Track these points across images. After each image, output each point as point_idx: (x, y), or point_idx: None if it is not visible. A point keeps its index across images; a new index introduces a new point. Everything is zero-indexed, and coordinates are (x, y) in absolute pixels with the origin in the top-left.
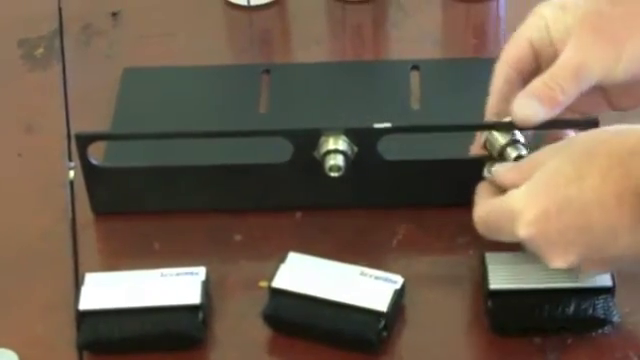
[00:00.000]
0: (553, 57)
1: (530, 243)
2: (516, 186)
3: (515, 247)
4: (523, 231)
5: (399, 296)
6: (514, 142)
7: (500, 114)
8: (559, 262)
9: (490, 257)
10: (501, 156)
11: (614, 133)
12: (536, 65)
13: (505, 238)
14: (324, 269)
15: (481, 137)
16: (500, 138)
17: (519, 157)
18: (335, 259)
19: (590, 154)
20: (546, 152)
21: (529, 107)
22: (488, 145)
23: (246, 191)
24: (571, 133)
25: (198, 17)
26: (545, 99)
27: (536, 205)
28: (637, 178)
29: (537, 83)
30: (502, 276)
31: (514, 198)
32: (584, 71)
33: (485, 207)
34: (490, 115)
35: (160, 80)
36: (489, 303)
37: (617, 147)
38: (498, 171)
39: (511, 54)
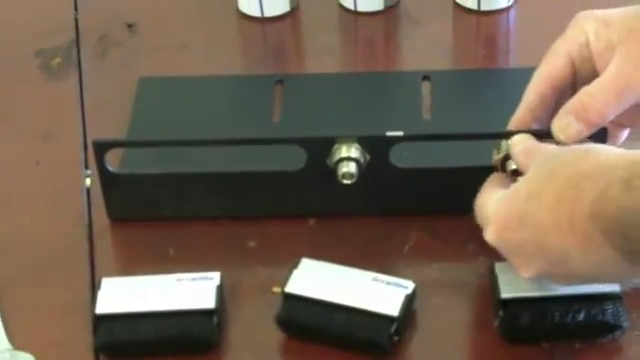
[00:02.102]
0: (591, 73)
1: (497, 248)
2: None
3: None
4: (489, 237)
5: (410, 301)
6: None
7: (524, 126)
8: (523, 273)
9: (499, 266)
10: (502, 165)
11: (578, 155)
12: (572, 80)
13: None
14: (336, 274)
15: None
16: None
17: (516, 171)
18: (347, 265)
19: (552, 172)
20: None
21: (568, 125)
22: (495, 150)
23: (260, 198)
24: None
25: (213, 28)
26: (581, 119)
27: (501, 214)
28: (588, 202)
29: (575, 102)
30: (512, 285)
31: (491, 202)
32: (625, 95)
33: (480, 200)
34: (513, 125)
35: (175, 90)
36: (500, 312)
37: (574, 170)
38: (514, 142)
39: (548, 70)
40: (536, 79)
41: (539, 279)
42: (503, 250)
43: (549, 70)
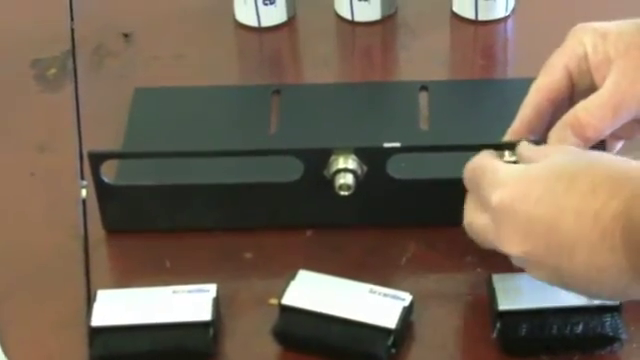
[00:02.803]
0: (589, 85)
1: (496, 213)
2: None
3: (520, 268)
4: (496, 197)
5: (408, 313)
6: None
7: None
8: (512, 248)
9: (497, 278)
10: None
11: (612, 157)
12: (569, 92)
13: (477, 196)
14: (333, 286)
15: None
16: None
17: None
18: (345, 277)
19: (590, 164)
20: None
21: (564, 138)
22: None
23: (257, 209)
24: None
25: (209, 38)
26: (577, 133)
27: (522, 182)
28: (621, 200)
29: (572, 116)
30: (510, 296)
31: (508, 168)
32: (622, 111)
33: (480, 160)
34: (510, 137)
35: (171, 100)
36: (498, 324)
37: (614, 167)
38: (522, 146)
39: (545, 83)
40: (533, 92)
41: (520, 262)
42: (503, 217)
43: (546, 83)
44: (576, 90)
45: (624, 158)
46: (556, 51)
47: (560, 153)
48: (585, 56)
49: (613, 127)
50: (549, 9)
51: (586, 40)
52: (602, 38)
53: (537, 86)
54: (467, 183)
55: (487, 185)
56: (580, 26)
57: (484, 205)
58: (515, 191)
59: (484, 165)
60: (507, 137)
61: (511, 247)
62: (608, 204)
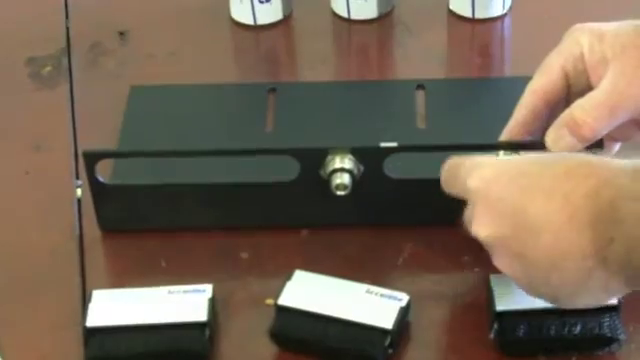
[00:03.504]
0: (585, 86)
1: (471, 195)
2: None
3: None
4: (472, 182)
5: (404, 313)
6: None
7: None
8: (480, 229)
9: (495, 278)
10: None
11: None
12: (566, 93)
13: (455, 188)
14: (330, 287)
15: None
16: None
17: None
18: (341, 277)
19: (569, 155)
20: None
21: (561, 137)
22: None
23: (253, 209)
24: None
25: (205, 36)
26: (574, 133)
27: (497, 165)
28: (592, 183)
29: (568, 116)
30: (508, 297)
31: (485, 157)
32: (618, 111)
33: (453, 159)
34: (505, 138)
35: (167, 98)
36: (496, 325)
37: (596, 159)
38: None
39: (542, 84)
40: (529, 92)
41: (489, 248)
42: (477, 199)
43: (543, 83)
44: (572, 91)
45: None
46: (552, 51)
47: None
48: (581, 57)
49: (609, 127)
50: (546, 7)
51: (583, 41)
52: (599, 39)
53: (533, 87)
54: (444, 179)
55: (465, 171)
56: (577, 27)
57: (465, 192)
58: (490, 173)
59: (459, 159)
60: (503, 137)
61: (479, 228)
62: (581, 184)
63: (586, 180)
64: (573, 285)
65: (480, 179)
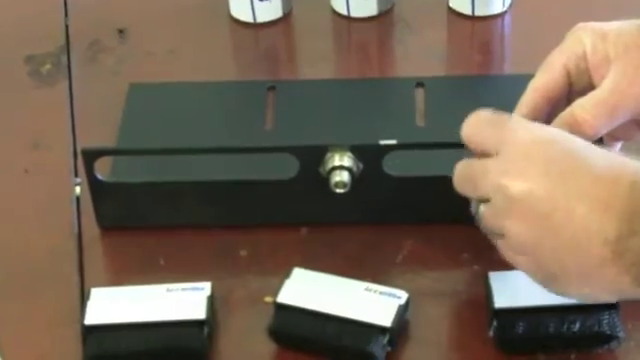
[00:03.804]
0: (587, 85)
1: (496, 194)
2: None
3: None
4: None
5: (403, 311)
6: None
7: None
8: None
9: (493, 276)
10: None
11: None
12: (567, 92)
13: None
14: (329, 284)
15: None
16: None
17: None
18: (340, 274)
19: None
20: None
21: None
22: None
23: (252, 207)
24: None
25: (204, 34)
26: (574, 132)
27: (537, 155)
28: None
29: (569, 114)
30: (506, 295)
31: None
32: (619, 111)
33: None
34: None
35: (166, 96)
36: (495, 322)
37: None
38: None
39: (543, 81)
40: (531, 90)
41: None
42: (502, 181)
43: (544, 81)
44: (574, 90)
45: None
46: (555, 50)
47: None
48: (584, 56)
49: (610, 126)
50: (546, 4)
51: (586, 40)
52: (601, 38)
53: (535, 85)
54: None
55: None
56: (579, 26)
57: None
58: (525, 166)
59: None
60: None
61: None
62: (623, 175)
63: (624, 169)
64: (585, 273)
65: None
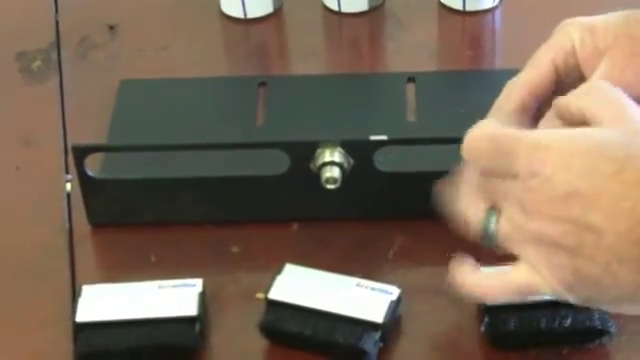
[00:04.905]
0: (577, 80)
1: (530, 180)
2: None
3: (508, 261)
4: (537, 162)
5: (395, 307)
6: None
7: None
8: (538, 217)
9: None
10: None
11: None
12: (555, 88)
13: (498, 163)
14: (320, 280)
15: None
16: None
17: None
18: (331, 270)
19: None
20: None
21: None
22: None
23: (243, 203)
24: None
25: (195, 29)
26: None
27: (565, 153)
28: None
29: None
30: None
31: (548, 133)
32: None
33: (496, 129)
34: None
35: (157, 92)
36: (486, 318)
37: None
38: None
39: (531, 78)
40: (518, 88)
41: (537, 241)
42: (539, 184)
43: (532, 78)
44: (564, 85)
45: None
46: (542, 46)
47: (612, 127)
48: (573, 51)
49: None
50: None
51: (574, 35)
52: (590, 32)
53: (522, 81)
54: (480, 152)
55: (525, 150)
56: (567, 21)
57: (510, 173)
58: (558, 158)
59: (509, 133)
60: None
61: (538, 217)
62: None
63: None
64: (620, 291)
65: (545, 164)
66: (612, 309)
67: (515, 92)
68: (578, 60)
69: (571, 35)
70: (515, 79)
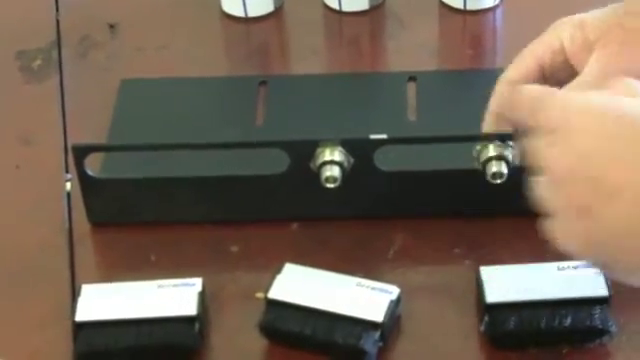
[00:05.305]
0: (568, 77)
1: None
2: None
3: (508, 261)
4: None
5: (395, 306)
6: (500, 158)
7: (493, 130)
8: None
9: (485, 271)
10: (483, 168)
11: None
12: (543, 83)
13: (532, 120)
14: (320, 280)
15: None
16: (491, 150)
17: (497, 174)
18: (331, 270)
19: None
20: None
21: None
22: (475, 153)
23: (243, 202)
24: None
25: (195, 29)
26: None
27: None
28: None
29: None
30: (498, 289)
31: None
32: None
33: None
34: (484, 129)
35: (157, 91)
36: (486, 317)
37: None
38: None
39: (510, 75)
40: (499, 83)
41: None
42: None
43: (510, 75)
44: (555, 83)
45: None
46: (531, 43)
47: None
48: (562, 49)
49: None
50: None
51: (563, 34)
52: (580, 28)
53: (504, 77)
54: (513, 103)
55: (554, 102)
56: (560, 20)
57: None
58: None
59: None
60: (484, 129)
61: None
62: None
63: None
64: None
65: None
66: (624, 277)
67: (497, 89)
68: (567, 57)
69: (560, 34)
70: (500, 77)
